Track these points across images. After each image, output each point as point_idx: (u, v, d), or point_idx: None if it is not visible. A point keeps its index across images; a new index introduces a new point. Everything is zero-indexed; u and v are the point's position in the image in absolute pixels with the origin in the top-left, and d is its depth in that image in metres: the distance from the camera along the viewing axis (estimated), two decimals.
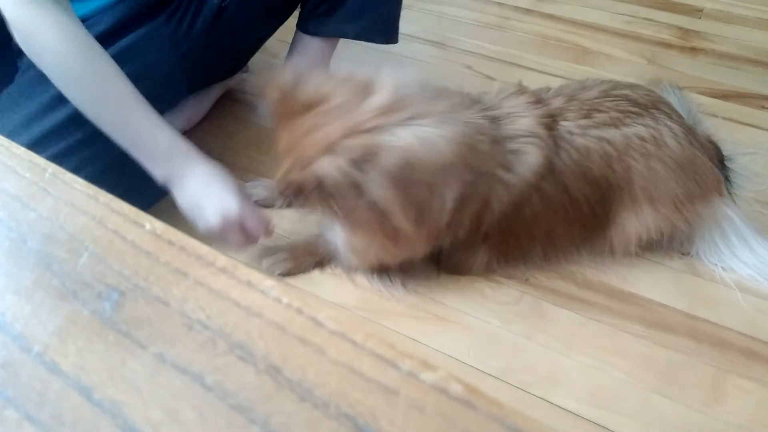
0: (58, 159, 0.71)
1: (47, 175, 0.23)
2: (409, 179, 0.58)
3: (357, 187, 0.57)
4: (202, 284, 0.19)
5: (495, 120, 0.68)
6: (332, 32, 0.97)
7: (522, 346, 0.73)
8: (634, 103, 0.73)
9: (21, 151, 0.24)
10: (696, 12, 1.39)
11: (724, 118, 1.08)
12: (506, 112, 0.69)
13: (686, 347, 0.72)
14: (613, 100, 0.73)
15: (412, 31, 1.28)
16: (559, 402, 0.67)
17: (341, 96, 0.58)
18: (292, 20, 1.00)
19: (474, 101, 0.70)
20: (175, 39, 0.84)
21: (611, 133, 0.70)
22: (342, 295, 0.78)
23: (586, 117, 0.71)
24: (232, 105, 1.11)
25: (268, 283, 0.19)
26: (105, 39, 0.79)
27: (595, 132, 0.70)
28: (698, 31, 1.33)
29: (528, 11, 1.40)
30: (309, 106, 0.59)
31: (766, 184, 0.92)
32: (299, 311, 0.18)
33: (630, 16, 1.38)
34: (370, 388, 0.16)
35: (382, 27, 0.98)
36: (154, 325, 0.18)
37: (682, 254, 0.83)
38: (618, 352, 0.72)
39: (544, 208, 0.70)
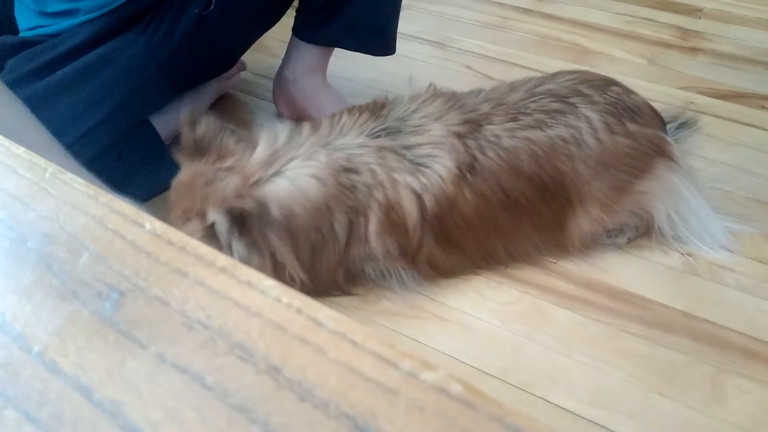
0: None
1: (47, 174, 0.23)
2: (296, 226, 0.64)
3: (250, 241, 0.63)
4: (202, 284, 0.19)
5: (398, 133, 0.71)
6: (328, 42, 0.97)
7: (522, 345, 0.73)
8: (556, 96, 0.74)
9: (21, 150, 0.24)
10: (696, 12, 1.39)
11: (724, 118, 1.08)
12: (414, 124, 0.72)
13: (686, 347, 0.73)
14: (538, 100, 0.74)
15: (412, 30, 1.28)
16: (559, 402, 0.67)
17: (236, 153, 0.66)
18: (290, 19, 1.00)
19: (377, 117, 0.72)
20: (151, 47, 0.84)
21: (537, 135, 0.72)
22: (341, 296, 0.78)
23: (512, 120, 0.72)
24: (231, 105, 1.11)
25: (268, 283, 0.19)
26: (79, 50, 0.80)
27: (521, 134, 0.72)
28: (698, 31, 1.33)
29: (528, 11, 1.40)
30: (215, 157, 0.66)
31: (759, 181, 0.92)
32: (299, 311, 0.18)
33: (630, 16, 1.38)
34: (370, 388, 0.16)
35: (379, 39, 0.98)
36: (154, 325, 0.18)
37: (682, 254, 0.83)
38: (618, 351, 0.72)
39: (482, 205, 0.72)
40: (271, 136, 0.69)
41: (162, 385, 0.17)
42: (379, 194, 0.68)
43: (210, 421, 0.16)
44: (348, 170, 0.67)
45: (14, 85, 0.74)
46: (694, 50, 1.27)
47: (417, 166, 0.69)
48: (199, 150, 0.67)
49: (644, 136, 0.75)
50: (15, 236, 0.21)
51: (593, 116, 0.73)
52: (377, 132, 0.71)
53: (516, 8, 1.41)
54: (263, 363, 0.17)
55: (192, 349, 0.18)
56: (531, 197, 0.73)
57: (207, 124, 0.68)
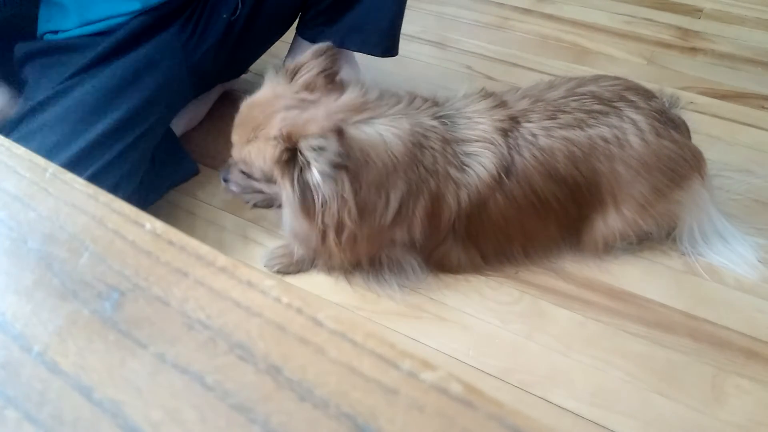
0: (97, 177, 0.71)
1: (47, 174, 0.23)
2: (364, 175, 0.62)
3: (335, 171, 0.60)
4: (202, 284, 0.19)
5: (453, 123, 0.71)
6: (332, 42, 0.97)
7: (522, 345, 0.73)
8: (599, 99, 0.73)
9: (21, 151, 0.24)
10: (696, 12, 1.39)
11: (724, 119, 1.08)
12: (467, 116, 0.72)
13: (686, 347, 0.73)
14: (578, 99, 0.73)
15: (412, 31, 1.28)
16: (559, 401, 0.67)
17: (324, 91, 0.65)
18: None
19: (436, 104, 0.72)
20: (188, 49, 0.85)
21: (576, 134, 0.71)
22: (342, 295, 0.78)
23: (551, 118, 0.72)
24: (232, 105, 1.11)
25: (269, 282, 0.19)
26: (119, 49, 0.79)
27: (559, 133, 0.71)
28: (698, 31, 1.33)
29: (527, 11, 1.40)
30: (302, 86, 0.65)
31: (760, 181, 0.93)
32: (299, 311, 0.18)
33: (629, 16, 1.38)
34: (370, 387, 0.16)
35: (382, 40, 0.98)
36: (154, 325, 0.18)
37: (682, 254, 0.83)
38: (618, 351, 0.72)
39: (511, 206, 0.72)
40: (360, 89, 0.68)
41: (162, 384, 0.17)
42: (432, 181, 0.68)
43: (210, 421, 0.16)
44: (420, 146, 0.67)
45: (57, 95, 0.72)
46: (693, 50, 1.27)
47: (463, 162, 0.70)
48: (290, 76, 0.66)
49: (687, 147, 0.75)
50: (15, 236, 0.21)
51: (639, 119, 0.73)
52: (441, 117, 0.71)
53: (516, 8, 1.41)
54: (263, 363, 0.17)
55: (192, 348, 0.18)
56: (562, 198, 0.73)
57: (313, 56, 0.66)
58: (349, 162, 0.60)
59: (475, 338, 0.74)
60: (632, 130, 0.72)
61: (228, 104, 1.11)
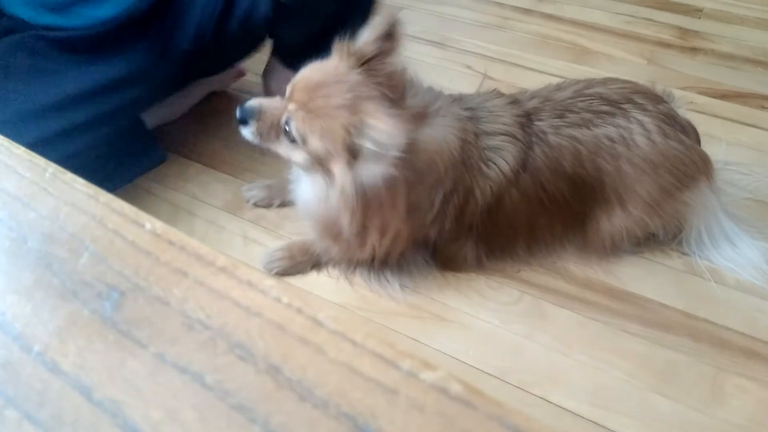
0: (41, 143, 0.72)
1: (47, 174, 0.23)
2: (424, 180, 0.62)
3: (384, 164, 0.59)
4: (202, 284, 0.19)
5: (476, 117, 0.71)
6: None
7: (522, 345, 0.73)
8: (607, 101, 0.74)
9: (21, 150, 0.24)
10: (695, 12, 1.39)
11: (724, 118, 1.08)
12: (487, 111, 0.72)
13: (686, 347, 0.73)
14: (586, 100, 0.74)
15: (412, 31, 1.28)
16: (559, 401, 0.67)
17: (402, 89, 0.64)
18: None
19: (457, 99, 0.72)
20: (158, 61, 0.85)
21: (582, 133, 0.72)
22: (342, 295, 0.78)
23: (559, 117, 0.72)
24: (231, 105, 1.11)
25: (268, 282, 0.19)
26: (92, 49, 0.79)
27: (566, 131, 0.71)
28: (698, 31, 1.33)
29: (528, 11, 1.40)
30: (380, 78, 0.63)
31: (761, 181, 0.93)
32: (299, 311, 0.18)
33: (629, 16, 1.38)
34: (370, 387, 0.16)
35: None
36: (154, 325, 0.18)
37: (682, 253, 0.83)
38: (617, 351, 0.72)
39: (522, 201, 0.72)
40: (418, 89, 0.67)
41: (162, 384, 0.17)
42: (467, 177, 0.68)
43: (210, 421, 0.16)
44: (465, 142, 0.67)
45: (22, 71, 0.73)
46: (693, 50, 1.27)
47: (487, 156, 0.70)
48: (360, 58, 0.63)
49: (695, 150, 0.76)
50: (15, 236, 0.21)
51: (646, 120, 0.73)
52: (467, 109, 0.71)
53: (516, 8, 1.41)
54: (263, 363, 0.17)
55: (192, 348, 0.18)
56: (568, 195, 0.73)
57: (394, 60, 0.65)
58: (416, 164, 0.59)
59: (475, 338, 0.74)
60: (638, 131, 0.72)
61: (228, 104, 1.11)
